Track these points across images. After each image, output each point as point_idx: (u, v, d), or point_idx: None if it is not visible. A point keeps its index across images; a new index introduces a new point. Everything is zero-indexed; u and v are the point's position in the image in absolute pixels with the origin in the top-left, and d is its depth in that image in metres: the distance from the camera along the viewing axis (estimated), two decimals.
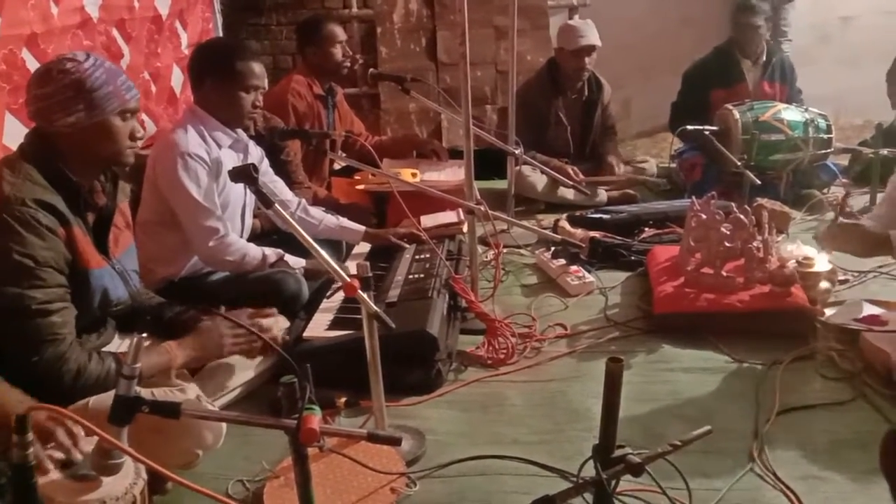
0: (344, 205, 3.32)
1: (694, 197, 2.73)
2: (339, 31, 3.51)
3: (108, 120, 1.74)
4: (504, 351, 2.30)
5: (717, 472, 1.72)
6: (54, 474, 1.33)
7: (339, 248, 2.93)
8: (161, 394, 1.61)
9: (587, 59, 3.81)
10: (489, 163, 3.89)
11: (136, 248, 2.04)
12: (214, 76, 2.43)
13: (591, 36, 3.76)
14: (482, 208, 2.49)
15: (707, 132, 3.49)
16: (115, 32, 3.00)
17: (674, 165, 4.08)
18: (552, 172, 3.43)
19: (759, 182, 3.15)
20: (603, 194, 3.82)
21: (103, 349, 1.87)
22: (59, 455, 1.32)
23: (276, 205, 1.75)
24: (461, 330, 2.47)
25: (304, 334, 2.22)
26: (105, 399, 1.47)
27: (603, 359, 2.20)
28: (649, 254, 2.87)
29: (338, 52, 3.48)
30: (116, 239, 1.91)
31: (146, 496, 1.41)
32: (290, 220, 1.73)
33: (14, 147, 2.15)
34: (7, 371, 1.57)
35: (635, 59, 5.11)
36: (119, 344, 2.01)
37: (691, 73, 4.09)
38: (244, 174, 1.68)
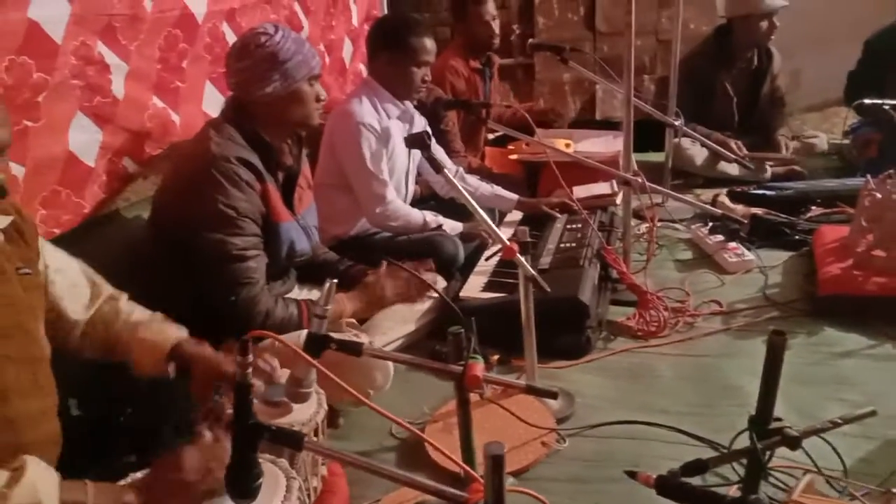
0: (496, 174, 3.41)
1: (869, 175, 2.58)
2: (488, 7, 3.54)
3: (300, 87, 1.92)
4: (655, 323, 2.30)
5: (877, 458, 1.65)
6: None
7: (492, 215, 3.03)
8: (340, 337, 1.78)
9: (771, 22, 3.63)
10: (645, 134, 3.83)
11: None
12: (389, 51, 2.58)
13: None
14: (639, 180, 2.48)
15: (887, 107, 3.24)
16: (296, 6, 3.22)
17: (846, 141, 3.82)
18: (714, 145, 3.31)
19: None
20: (768, 170, 3.65)
21: (286, 296, 2.09)
22: (259, 382, 1.51)
23: (445, 171, 1.87)
24: (612, 301, 2.50)
25: (461, 294, 2.34)
26: (290, 339, 1.66)
27: (760, 338, 2.18)
28: (816, 233, 2.74)
29: (489, 26, 3.53)
30: (301, 197, 2.12)
31: (324, 426, 1.59)
32: (458, 184, 1.84)
33: (212, 112, 2.42)
34: (205, 309, 1.78)
35: (809, 25, 4.75)
36: (298, 293, 2.23)
37: (874, 43, 3.77)
38: (419, 141, 1.81)
